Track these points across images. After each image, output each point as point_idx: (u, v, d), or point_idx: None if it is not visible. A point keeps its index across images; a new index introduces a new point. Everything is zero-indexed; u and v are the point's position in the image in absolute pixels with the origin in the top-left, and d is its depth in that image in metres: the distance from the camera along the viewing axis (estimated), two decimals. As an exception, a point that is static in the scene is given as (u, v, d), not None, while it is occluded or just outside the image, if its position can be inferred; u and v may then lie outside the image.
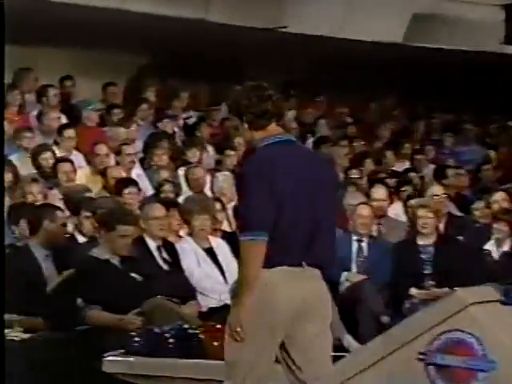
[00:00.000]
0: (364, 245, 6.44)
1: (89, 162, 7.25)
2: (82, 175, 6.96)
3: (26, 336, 4.75)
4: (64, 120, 7.79)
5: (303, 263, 3.23)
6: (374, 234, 6.64)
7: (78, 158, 7.17)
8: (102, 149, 7.14)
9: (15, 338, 4.69)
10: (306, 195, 3.25)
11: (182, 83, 8.86)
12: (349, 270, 6.32)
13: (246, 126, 3.32)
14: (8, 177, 6.20)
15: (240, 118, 3.32)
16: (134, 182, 6.63)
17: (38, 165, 6.73)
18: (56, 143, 7.31)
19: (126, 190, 6.39)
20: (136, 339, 4.41)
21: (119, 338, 4.63)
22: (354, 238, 6.44)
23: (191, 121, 8.76)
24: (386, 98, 10.13)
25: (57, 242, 5.41)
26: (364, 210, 6.47)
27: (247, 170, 3.30)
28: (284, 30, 8.37)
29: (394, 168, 8.48)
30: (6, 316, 4.85)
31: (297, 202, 3.22)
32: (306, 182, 3.25)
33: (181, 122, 8.57)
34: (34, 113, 7.76)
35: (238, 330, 3.16)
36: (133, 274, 4.97)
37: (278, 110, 3.34)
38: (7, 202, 6.10)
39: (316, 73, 9.44)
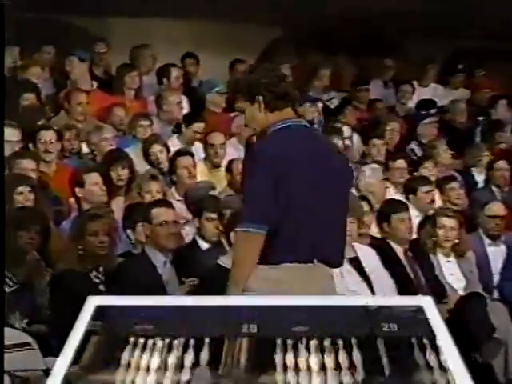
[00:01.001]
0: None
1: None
2: (202, 170, 6.85)
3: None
4: (186, 104, 7.83)
5: (314, 260, 3.52)
6: None
7: (197, 149, 7.09)
8: (216, 138, 7.00)
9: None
10: (317, 188, 3.52)
11: (322, 59, 8.80)
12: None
13: (261, 106, 3.56)
14: (124, 173, 6.19)
15: (251, 98, 3.56)
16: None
17: (149, 159, 6.67)
18: (176, 132, 7.34)
19: (255, 188, 6.36)
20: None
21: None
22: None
23: (333, 103, 8.68)
24: None
25: (170, 244, 5.41)
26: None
27: (259, 155, 3.52)
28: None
29: None
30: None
31: (306, 195, 3.49)
32: (317, 174, 3.52)
33: (320, 104, 8.50)
34: (152, 97, 7.79)
35: None
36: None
37: (295, 94, 3.66)
38: (122, 202, 6.17)
39: (490, 43, 9.12)
